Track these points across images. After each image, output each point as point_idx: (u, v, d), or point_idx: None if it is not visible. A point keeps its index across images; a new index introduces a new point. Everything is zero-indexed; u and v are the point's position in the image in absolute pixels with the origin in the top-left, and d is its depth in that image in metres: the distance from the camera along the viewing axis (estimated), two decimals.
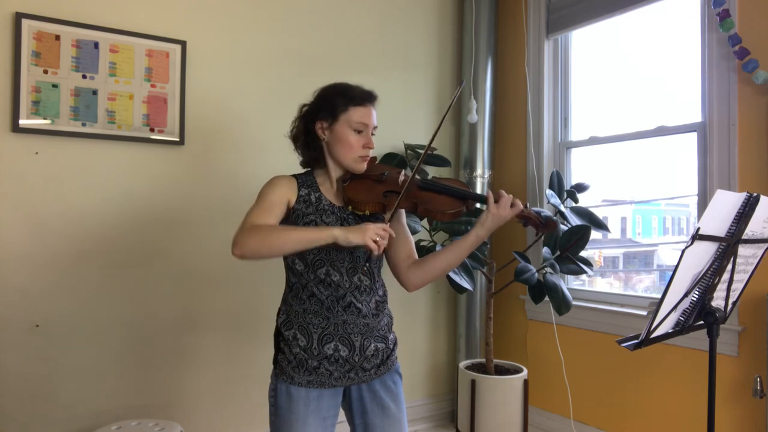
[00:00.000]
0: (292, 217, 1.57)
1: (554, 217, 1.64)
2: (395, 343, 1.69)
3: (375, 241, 1.39)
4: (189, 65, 2.66)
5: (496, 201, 1.54)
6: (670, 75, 2.87)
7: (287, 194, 1.57)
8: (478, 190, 3.38)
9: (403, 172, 1.63)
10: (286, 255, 1.54)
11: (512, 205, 1.53)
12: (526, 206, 1.58)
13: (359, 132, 1.57)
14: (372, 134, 1.60)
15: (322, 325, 1.54)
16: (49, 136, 2.36)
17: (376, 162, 1.68)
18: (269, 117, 2.86)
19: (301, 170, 1.70)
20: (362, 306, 1.57)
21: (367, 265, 1.58)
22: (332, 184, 1.62)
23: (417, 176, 1.61)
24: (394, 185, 1.59)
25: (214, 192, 2.73)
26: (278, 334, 1.61)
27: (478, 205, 2.35)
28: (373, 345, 1.58)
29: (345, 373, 1.56)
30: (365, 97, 1.59)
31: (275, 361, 1.61)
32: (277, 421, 1.57)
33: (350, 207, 1.56)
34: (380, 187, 1.58)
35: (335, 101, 1.57)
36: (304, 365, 1.54)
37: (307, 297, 1.56)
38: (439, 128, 1.67)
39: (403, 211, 1.71)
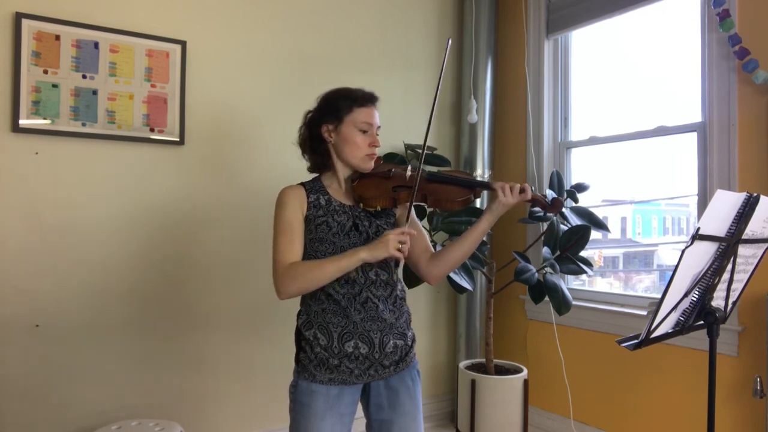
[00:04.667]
0: (305, 223, 1.60)
1: (559, 197, 1.69)
2: (413, 340, 1.71)
3: (399, 249, 1.46)
4: (189, 65, 2.66)
5: (504, 190, 1.60)
6: (670, 75, 2.87)
7: (300, 206, 1.60)
8: None
9: (409, 168, 1.67)
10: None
11: (521, 191, 1.60)
12: (531, 189, 1.65)
13: (364, 132, 1.62)
14: (376, 134, 1.65)
15: (342, 324, 1.57)
16: (49, 136, 2.36)
17: (381, 161, 1.72)
18: (269, 116, 2.86)
19: (303, 171, 1.72)
20: (380, 302, 1.59)
21: (395, 264, 1.63)
22: (341, 184, 1.66)
23: (423, 169, 1.64)
24: (401, 180, 1.63)
25: (214, 192, 2.73)
26: (299, 334, 1.64)
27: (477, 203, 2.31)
28: (392, 342, 1.61)
29: (365, 370, 1.58)
30: (368, 99, 1.64)
31: (297, 360, 1.64)
32: (296, 417, 1.60)
33: (361, 204, 1.61)
34: (389, 183, 1.63)
35: (339, 104, 1.62)
36: (325, 364, 1.57)
37: (325, 297, 1.59)
38: (435, 99, 1.60)
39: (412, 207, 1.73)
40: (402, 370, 1.65)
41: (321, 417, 1.56)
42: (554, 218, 2.79)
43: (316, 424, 1.55)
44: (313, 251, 1.59)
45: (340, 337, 1.56)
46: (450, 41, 1.71)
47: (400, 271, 1.71)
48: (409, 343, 1.68)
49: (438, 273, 1.70)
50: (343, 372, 1.57)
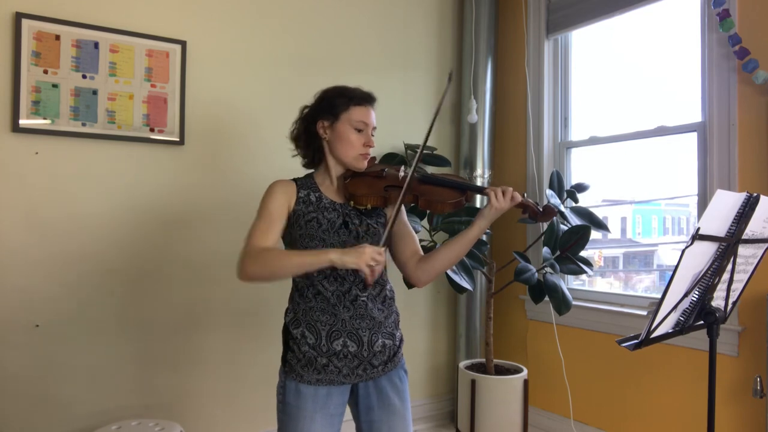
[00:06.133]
0: (293, 218, 1.59)
1: (551, 205, 1.67)
2: (401, 341, 1.71)
3: (370, 267, 1.41)
4: (189, 65, 2.66)
5: (496, 195, 1.58)
6: (670, 75, 2.87)
7: (287, 200, 1.59)
8: None
9: (402, 169, 1.66)
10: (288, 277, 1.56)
11: (512, 198, 1.57)
12: (523, 195, 1.63)
13: (360, 131, 1.61)
14: (371, 135, 1.64)
15: (330, 322, 1.56)
16: (49, 136, 2.36)
17: (376, 161, 1.71)
18: (269, 116, 2.86)
19: (302, 172, 1.72)
20: (369, 301, 1.59)
21: (362, 287, 1.58)
22: (332, 182, 1.65)
23: (416, 171, 1.64)
24: (394, 180, 1.62)
25: (214, 192, 2.73)
26: (286, 333, 1.63)
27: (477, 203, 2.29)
28: (380, 341, 1.60)
29: (353, 369, 1.57)
30: (365, 98, 1.64)
31: (284, 359, 1.62)
32: (285, 419, 1.58)
33: (352, 202, 1.59)
34: (381, 183, 1.62)
35: (336, 101, 1.62)
36: (313, 363, 1.56)
37: (313, 295, 1.57)
38: (432, 125, 1.65)
39: (404, 209, 1.73)
40: (390, 370, 1.65)
41: (311, 418, 1.54)
42: (554, 218, 2.78)
43: (306, 426, 1.54)
44: (303, 247, 1.58)
45: (329, 336, 1.55)
46: (451, 75, 1.72)
47: (391, 272, 1.70)
48: (397, 343, 1.67)
49: (426, 278, 1.68)
50: (332, 372, 1.56)
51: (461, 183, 1.66)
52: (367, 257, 1.41)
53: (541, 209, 1.63)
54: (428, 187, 1.64)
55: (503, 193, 1.56)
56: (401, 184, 1.59)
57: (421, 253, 1.72)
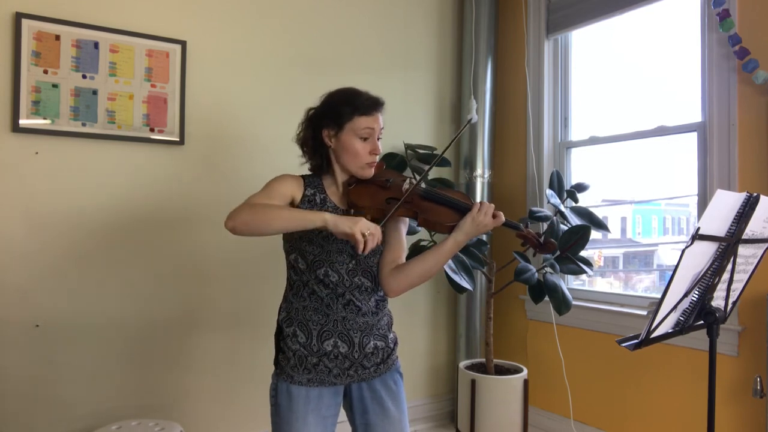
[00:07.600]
0: None
1: (552, 239, 1.63)
2: (395, 343, 1.70)
3: (364, 236, 1.38)
4: (189, 65, 2.66)
5: (479, 208, 1.53)
6: (670, 75, 2.87)
7: (293, 190, 1.58)
8: (478, 190, 3.38)
9: (408, 180, 1.62)
10: (276, 233, 1.49)
11: (494, 216, 1.52)
12: (526, 226, 1.60)
13: (366, 139, 1.57)
14: (378, 138, 1.60)
15: (321, 322, 1.56)
16: (49, 136, 2.36)
17: (384, 168, 1.67)
18: (269, 117, 2.86)
19: (303, 172, 1.70)
20: (362, 304, 1.58)
21: (357, 256, 1.56)
22: (338, 187, 1.64)
23: (422, 185, 1.61)
24: (397, 192, 1.59)
25: (214, 192, 2.73)
26: (279, 332, 1.63)
27: None
28: (372, 343, 1.60)
29: (345, 370, 1.57)
30: (371, 106, 1.58)
31: (276, 362, 1.63)
32: (278, 420, 1.58)
33: (352, 211, 1.57)
34: (384, 194, 1.59)
35: (341, 110, 1.56)
36: (303, 363, 1.56)
37: (308, 294, 1.57)
38: (444, 151, 1.67)
39: (407, 220, 1.71)
40: (384, 372, 1.64)
41: (303, 420, 1.54)
42: (554, 218, 2.79)
43: (299, 428, 1.53)
44: (301, 249, 1.57)
45: (320, 335, 1.55)
46: (473, 120, 1.68)
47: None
48: (391, 345, 1.66)
49: (396, 287, 1.58)
50: (322, 371, 1.56)
51: (464, 205, 1.59)
52: (362, 226, 1.38)
53: (541, 241, 1.59)
54: (430, 204, 1.59)
55: (485, 207, 1.51)
56: (405, 198, 1.56)
57: (402, 262, 1.66)
